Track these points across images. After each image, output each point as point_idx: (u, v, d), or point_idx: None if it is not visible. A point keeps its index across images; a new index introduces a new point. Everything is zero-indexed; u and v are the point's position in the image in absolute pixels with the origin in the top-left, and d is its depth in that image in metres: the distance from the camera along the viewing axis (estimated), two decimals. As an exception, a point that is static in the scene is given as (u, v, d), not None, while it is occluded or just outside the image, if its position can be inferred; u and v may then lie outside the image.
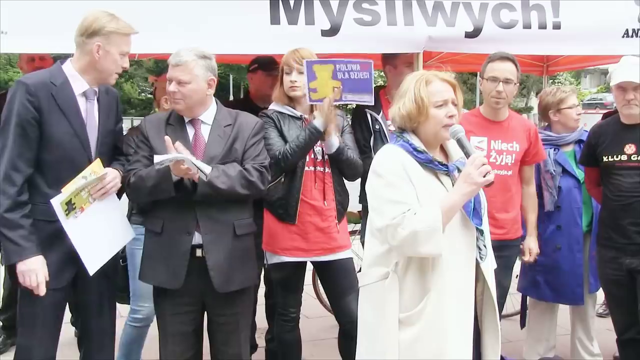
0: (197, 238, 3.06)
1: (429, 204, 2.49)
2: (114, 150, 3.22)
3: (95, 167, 2.94)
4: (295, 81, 3.51)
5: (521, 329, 4.63)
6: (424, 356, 2.54)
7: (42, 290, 2.90)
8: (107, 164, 3.08)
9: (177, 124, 3.16)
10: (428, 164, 2.58)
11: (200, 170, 2.91)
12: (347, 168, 3.61)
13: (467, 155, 2.56)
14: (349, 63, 3.55)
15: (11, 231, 2.87)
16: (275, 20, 3.72)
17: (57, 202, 2.87)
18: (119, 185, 3.07)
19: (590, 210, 4.20)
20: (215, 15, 3.64)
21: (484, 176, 2.46)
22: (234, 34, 3.67)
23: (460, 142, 2.58)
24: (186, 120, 3.16)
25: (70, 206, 2.89)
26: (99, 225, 3.01)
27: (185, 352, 3.19)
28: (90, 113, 3.05)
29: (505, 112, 3.92)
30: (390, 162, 2.57)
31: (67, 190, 2.87)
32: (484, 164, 2.47)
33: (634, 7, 4.27)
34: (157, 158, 2.88)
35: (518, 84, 3.85)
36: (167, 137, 2.96)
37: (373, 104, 3.70)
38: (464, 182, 2.49)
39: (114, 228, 3.12)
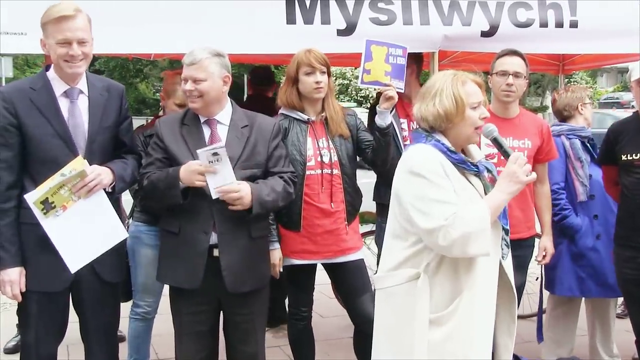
0: (213, 238, 3.06)
1: (467, 204, 2.48)
2: (116, 147, 3.16)
3: (76, 165, 2.87)
4: (320, 82, 3.51)
5: (538, 343, 4.50)
6: (453, 356, 2.54)
7: (18, 299, 2.92)
8: (102, 161, 3.02)
9: (192, 124, 3.15)
10: (461, 165, 2.57)
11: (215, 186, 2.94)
12: (386, 149, 3.61)
13: (505, 154, 2.58)
14: (397, 47, 3.62)
15: None
16: (291, 19, 3.73)
17: (31, 200, 2.84)
18: (105, 182, 2.97)
19: None
20: (230, 15, 3.66)
21: (527, 175, 2.49)
22: (250, 34, 3.69)
23: (496, 141, 2.61)
24: (202, 120, 3.16)
25: (47, 205, 2.85)
26: (84, 224, 2.93)
27: (201, 351, 3.20)
28: (74, 112, 2.99)
29: (516, 108, 3.90)
30: (430, 161, 2.52)
31: (42, 187, 2.84)
32: (525, 162, 2.50)
33: (650, 3, 4.25)
34: (199, 151, 2.90)
35: (527, 80, 3.84)
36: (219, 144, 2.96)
37: (404, 90, 3.74)
38: (510, 180, 2.50)
39: (103, 227, 3.01)
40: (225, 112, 3.19)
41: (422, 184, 2.48)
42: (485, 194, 2.59)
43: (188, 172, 2.97)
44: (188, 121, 3.16)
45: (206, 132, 3.15)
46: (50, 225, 2.89)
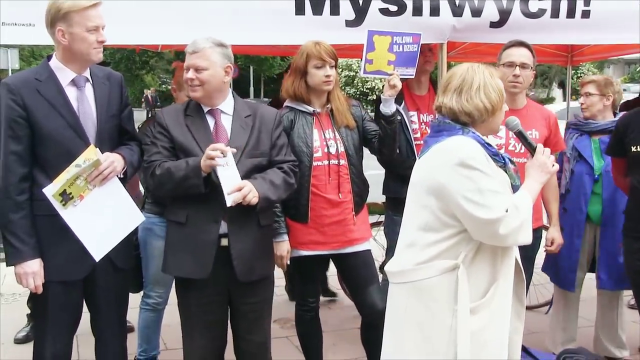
0: (223, 227, 3.07)
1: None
2: (120, 135, 3.17)
3: (89, 154, 2.88)
4: (330, 75, 3.52)
5: (546, 313, 4.71)
6: (493, 344, 2.57)
7: (39, 291, 2.93)
8: (110, 149, 3.04)
9: (195, 114, 3.15)
10: (494, 156, 2.61)
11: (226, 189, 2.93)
12: (392, 138, 3.64)
13: (530, 146, 2.70)
14: (404, 35, 3.66)
15: (9, 233, 2.89)
16: (300, 10, 3.72)
17: (49, 193, 2.85)
18: (119, 169, 3.00)
19: (601, 202, 4.18)
20: (239, 6, 3.64)
21: (553, 165, 2.64)
22: (258, 25, 3.68)
23: (521, 134, 2.72)
24: (205, 110, 3.16)
25: (66, 196, 2.87)
26: (102, 212, 2.97)
27: (211, 342, 3.21)
28: (83, 101, 3.00)
29: (523, 99, 3.90)
30: (479, 153, 2.53)
31: (60, 180, 2.85)
32: (550, 154, 2.66)
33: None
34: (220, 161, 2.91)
35: (534, 71, 3.83)
36: (230, 148, 2.95)
37: (414, 76, 3.78)
38: (541, 171, 2.63)
39: (120, 213, 3.05)
40: (228, 102, 3.20)
41: (477, 176, 2.47)
42: (512, 184, 2.65)
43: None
44: (191, 112, 3.16)
45: (210, 122, 3.15)
46: (70, 216, 2.91)
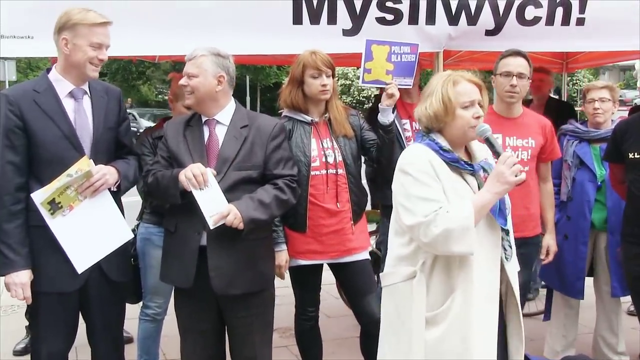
0: (204, 238, 3.04)
1: (455, 203, 2.49)
2: (116, 148, 3.18)
3: (82, 165, 2.89)
4: (326, 84, 3.53)
5: (543, 320, 4.66)
6: (450, 356, 2.55)
7: (29, 302, 2.93)
8: (106, 161, 3.05)
9: (195, 125, 3.17)
10: (454, 163, 2.59)
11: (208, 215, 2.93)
12: (390, 147, 3.66)
13: (497, 154, 2.58)
14: (402, 45, 3.70)
15: (1, 243, 2.88)
16: (297, 19, 3.73)
17: (38, 200, 2.86)
18: (111, 182, 3.01)
19: (605, 208, 4.17)
20: (237, 16, 3.65)
21: (517, 175, 2.48)
22: (256, 35, 3.69)
23: (488, 141, 2.60)
24: (203, 120, 3.16)
25: (54, 205, 2.87)
26: (90, 224, 2.96)
27: (204, 349, 3.20)
28: (80, 112, 3.01)
29: (519, 108, 3.90)
30: (418, 160, 2.57)
31: (50, 188, 2.85)
32: (515, 163, 2.48)
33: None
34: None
35: (530, 80, 3.84)
36: (210, 170, 2.97)
37: (411, 86, 3.81)
38: (497, 181, 2.50)
39: (108, 227, 3.04)
40: (225, 112, 3.17)
41: (408, 181, 2.54)
42: None
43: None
44: (193, 122, 3.18)
45: (205, 132, 3.15)
46: (57, 226, 2.91)
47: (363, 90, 28.30)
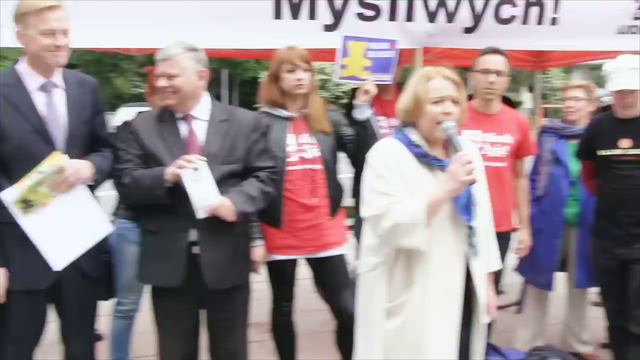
0: (193, 235, 3.02)
1: (410, 198, 2.53)
2: (92, 141, 3.09)
3: (54, 160, 2.80)
4: (302, 79, 3.53)
5: (517, 312, 4.77)
6: (405, 347, 2.61)
7: (3, 300, 2.85)
8: (82, 155, 2.96)
9: (168, 120, 3.10)
10: (423, 158, 2.62)
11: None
12: (367, 143, 3.57)
13: (456, 152, 2.58)
14: (380, 41, 3.72)
15: None
16: (278, 14, 3.74)
17: (9, 199, 2.77)
18: (86, 176, 2.92)
19: (578, 204, 4.27)
20: (217, 10, 3.64)
21: (469, 175, 2.49)
22: (236, 29, 3.69)
23: (450, 139, 2.61)
24: (178, 116, 3.10)
25: (27, 204, 2.79)
26: (66, 219, 2.89)
27: (184, 349, 3.19)
28: (52, 106, 2.91)
29: (497, 105, 3.96)
30: (383, 154, 2.63)
31: (21, 186, 2.77)
32: (469, 162, 2.50)
33: (629, 4, 4.35)
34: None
35: (509, 77, 3.89)
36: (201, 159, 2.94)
37: (391, 82, 3.84)
38: (450, 179, 2.52)
39: (86, 221, 2.96)
40: (202, 107, 3.13)
41: (371, 174, 2.62)
42: None
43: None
44: (164, 117, 3.11)
45: (183, 128, 3.09)
46: (30, 224, 2.83)
47: (340, 85, 28.26)
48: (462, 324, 2.68)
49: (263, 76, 3.81)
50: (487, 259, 2.81)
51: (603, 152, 3.77)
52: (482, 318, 2.75)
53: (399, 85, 4.36)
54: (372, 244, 2.69)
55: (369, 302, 2.71)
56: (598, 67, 4.13)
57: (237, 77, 34.77)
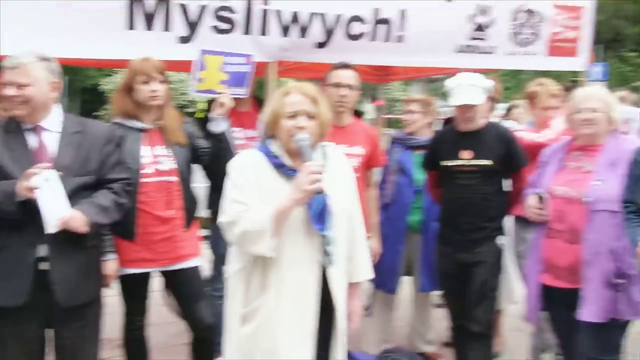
0: (42, 250, 2.89)
1: (261, 207, 2.62)
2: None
3: None
4: (156, 90, 3.50)
5: (366, 317, 4.84)
6: (258, 352, 2.68)
7: None
8: None
9: (15, 132, 2.95)
10: (280, 168, 2.71)
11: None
12: (223, 156, 3.62)
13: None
14: (237, 56, 3.77)
15: None
16: (131, 24, 3.67)
17: None
18: None
19: (421, 212, 4.52)
20: (67, 17, 3.52)
21: (314, 184, 2.55)
22: (88, 38, 3.58)
23: (300, 150, 2.68)
24: (26, 127, 2.97)
25: None
26: None
27: None
28: None
29: (349, 117, 4.11)
30: (242, 165, 2.73)
31: None
32: (313, 172, 2.57)
33: (466, 25, 4.69)
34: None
35: (359, 91, 4.07)
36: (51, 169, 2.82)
37: (247, 96, 3.90)
38: (295, 188, 2.59)
39: None
40: (53, 119, 3.02)
41: (228, 183, 2.72)
42: None
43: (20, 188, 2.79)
44: (10, 128, 2.96)
45: (32, 140, 2.96)
46: None
47: (184, 93, 27.88)
48: (322, 331, 2.75)
49: (104, 84, 3.71)
50: (351, 268, 2.92)
51: (446, 163, 4.00)
52: (341, 324, 2.83)
53: (255, 98, 4.45)
54: (234, 250, 2.77)
55: (228, 307, 2.79)
56: (435, 80, 4.45)
57: (78, 85, 33.19)
